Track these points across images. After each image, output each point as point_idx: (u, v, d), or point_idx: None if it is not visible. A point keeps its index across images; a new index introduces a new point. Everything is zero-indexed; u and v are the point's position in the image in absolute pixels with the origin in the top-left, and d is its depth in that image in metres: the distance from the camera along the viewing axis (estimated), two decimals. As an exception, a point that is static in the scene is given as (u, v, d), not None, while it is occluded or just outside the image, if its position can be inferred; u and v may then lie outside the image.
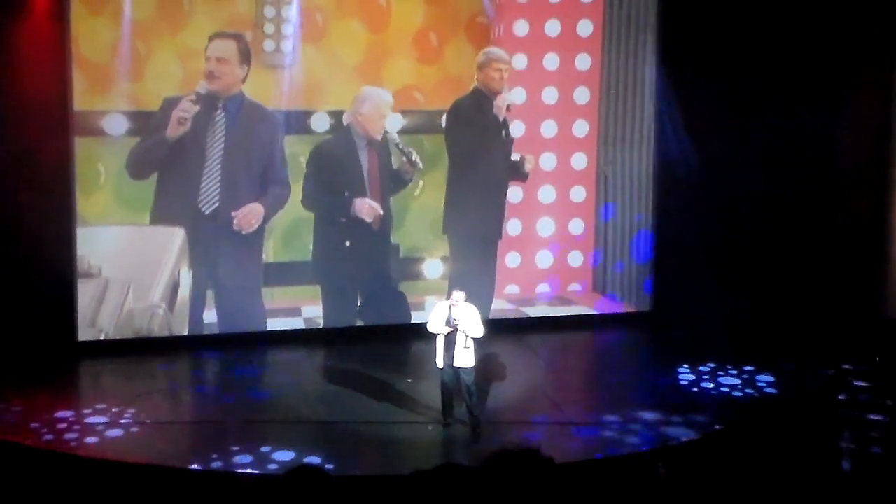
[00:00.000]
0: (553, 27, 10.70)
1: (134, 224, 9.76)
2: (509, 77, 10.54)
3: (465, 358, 7.73)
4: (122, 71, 9.50)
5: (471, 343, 7.72)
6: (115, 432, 7.78)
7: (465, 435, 7.79)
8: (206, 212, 9.72)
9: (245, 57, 9.68)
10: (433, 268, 10.65)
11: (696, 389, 8.86)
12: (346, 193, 10.08)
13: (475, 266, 10.58)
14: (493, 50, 10.32)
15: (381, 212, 10.11)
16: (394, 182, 10.25)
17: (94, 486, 6.85)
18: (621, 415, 8.18)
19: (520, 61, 10.66)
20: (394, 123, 10.23)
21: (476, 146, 10.41)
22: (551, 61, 10.74)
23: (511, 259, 10.94)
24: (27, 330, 9.01)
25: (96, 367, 9.27)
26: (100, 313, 9.53)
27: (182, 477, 7.01)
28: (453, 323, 7.67)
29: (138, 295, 9.66)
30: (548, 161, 10.92)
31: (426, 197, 10.52)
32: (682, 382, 9.02)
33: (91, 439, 7.64)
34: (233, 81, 9.65)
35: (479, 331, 7.75)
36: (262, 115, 9.78)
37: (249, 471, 7.10)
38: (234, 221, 9.69)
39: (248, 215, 9.72)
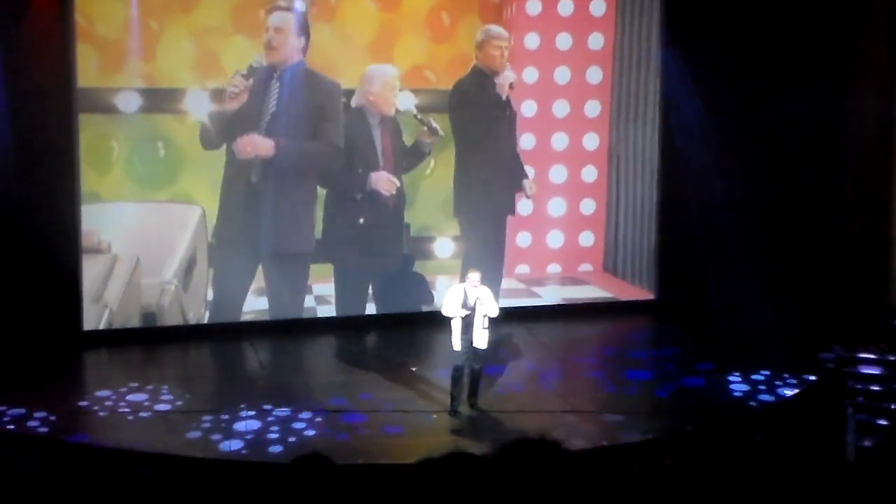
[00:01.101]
0: (566, 6, 10.65)
1: (147, 200, 9.81)
2: (521, 56, 10.53)
3: (483, 338, 7.76)
4: (135, 49, 9.53)
5: (487, 323, 7.74)
6: (123, 420, 7.83)
7: (470, 423, 7.82)
8: (253, 180, 9.74)
9: (303, 28, 9.71)
10: (444, 247, 10.67)
11: (698, 381, 8.86)
12: (360, 170, 10.10)
13: (487, 246, 10.59)
14: (492, 27, 10.28)
15: (399, 183, 10.11)
16: (409, 158, 10.24)
17: (103, 476, 6.88)
18: (623, 405, 8.20)
19: (532, 40, 10.63)
20: (405, 101, 10.22)
21: (479, 126, 10.38)
22: (564, 40, 10.70)
23: (522, 239, 10.94)
24: (30, 316, 8.94)
25: (101, 356, 9.27)
26: (107, 289, 9.59)
27: (188, 465, 7.03)
28: (472, 304, 7.66)
29: (149, 271, 9.72)
30: (559, 141, 10.90)
31: (437, 176, 10.53)
32: (685, 374, 9.01)
33: (101, 427, 7.72)
34: (291, 51, 9.67)
35: (496, 310, 7.79)
36: (318, 84, 9.77)
37: (254, 458, 7.13)
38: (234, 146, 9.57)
39: (245, 141, 9.57)
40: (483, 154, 10.49)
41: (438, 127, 10.02)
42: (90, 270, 9.58)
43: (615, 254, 11.22)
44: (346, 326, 10.15)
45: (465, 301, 7.70)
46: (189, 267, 9.91)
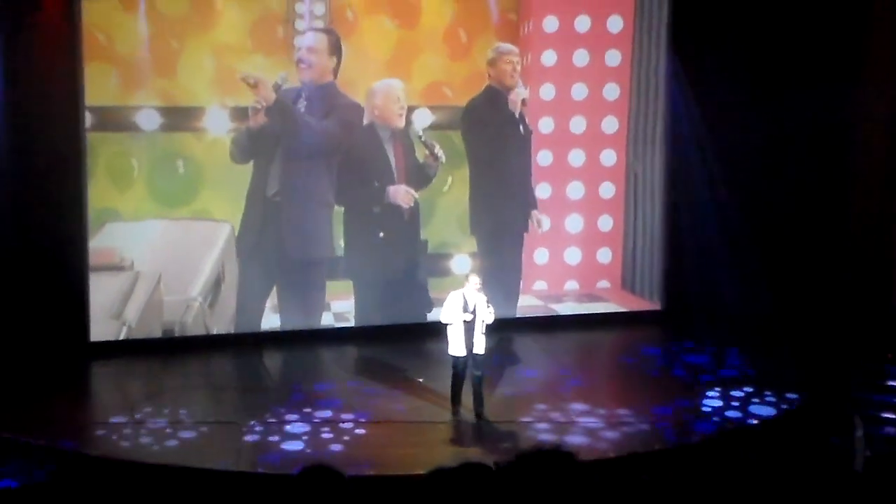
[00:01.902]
0: (583, 23, 10.67)
1: (169, 217, 9.85)
2: (538, 73, 10.58)
3: (482, 344, 7.81)
4: (155, 67, 9.59)
5: (485, 328, 7.80)
6: (131, 432, 7.80)
7: (476, 433, 7.79)
8: (269, 194, 9.80)
9: (335, 49, 9.82)
10: (462, 263, 10.65)
11: (706, 390, 8.83)
12: (375, 184, 10.13)
13: (503, 262, 10.59)
14: (501, 45, 10.34)
15: (417, 195, 10.13)
16: (419, 176, 10.26)
17: (108, 487, 6.87)
18: (631, 415, 8.20)
19: (549, 57, 10.65)
20: (422, 118, 10.28)
21: (493, 144, 10.41)
22: (581, 57, 10.72)
23: (539, 255, 10.92)
24: (37, 329, 8.96)
25: (109, 367, 9.27)
26: (127, 306, 9.61)
27: (197, 476, 7.00)
28: (472, 309, 7.71)
29: (172, 288, 9.74)
30: (577, 157, 10.90)
31: (454, 193, 10.55)
32: (694, 387, 8.97)
33: (108, 441, 7.67)
34: (322, 71, 9.78)
35: (492, 316, 7.86)
36: (342, 105, 9.87)
37: (262, 470, 7.09)
38: None
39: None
40: (497, 172, 10.52)
41: (440, 153, 10.02)
42: (110, 287, 9.62)
43: (633, 270, 11.18)
44: (354, 336, 10.14)
45: (466, 306, 7.74)
46: (216, 283, 9.93)
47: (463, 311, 7.72)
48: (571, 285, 11.05)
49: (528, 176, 10.67)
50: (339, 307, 10.40)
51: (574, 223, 10.96)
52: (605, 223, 11.07)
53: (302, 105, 9.90)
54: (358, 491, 3.23)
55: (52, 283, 9.16)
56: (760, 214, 10.49)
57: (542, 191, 10.82)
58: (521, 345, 10.09)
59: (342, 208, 10.17)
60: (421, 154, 10.19)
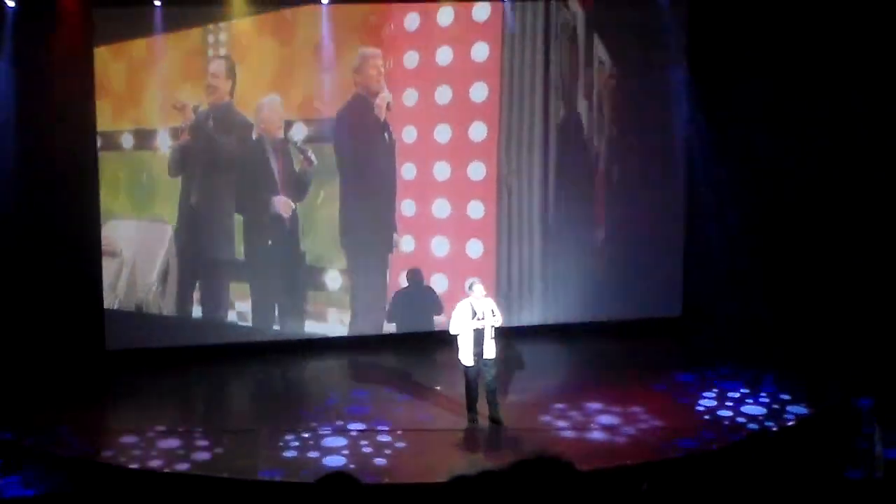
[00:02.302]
0: (446, 15, 9.37)
1: (139, 219, 11.95)
2: (400, 77, 9.70)
3: (492, 349, 7.78)
4: (130, 99, 11.78)
5: (494, 333, 7.77)
6: (146, 443, 8.05)
7: (491, 439, 7.76)
8: (192, 203, 11.39)
9: (230, 72, 11.10)
10: (334, 279, 10.33)
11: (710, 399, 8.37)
12: (263, 195, 10.64)
13: (370, 281, 9.95)
14: (365, 49, 9.73)
15: (294, 205, 10.38)
16: (298, 185, 10.36)
17: (122, 496, 7.18)
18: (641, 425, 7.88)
19: (411, 59, 9.62)
20: (298, 132, 10.36)
21: (361, 156, 9.85)
22: (444, 55, 9.40)
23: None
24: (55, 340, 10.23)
25: (127, 376, 10.61)
26: (118, 284, 12.00)
27: (214, 485, 7.06)
28: (482, 316, 7.73)
29: (142, 273, 11.87)
30: (442, 171, 9.55)
31: (327, 207, 10.30)
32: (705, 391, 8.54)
33: (124, 450, 7.90)
34: (222, 93, 11.15)
35: (501, 319, 7.83)
36: (237, 122, 10.93)
37: (279, 479, 7.08)
38: None
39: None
40: (363, 186, 9.95)
41: (313, 156, 9.94)
42: (108, 269, 12.17)
43: (508, 307, 9.21)
44: (359, 344, 10.39)
45: (475, 314, 7.76)
46: (164, 275, 11.74)
47: (473, 319, 7.74)
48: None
49: (392, 191, 9.80)
50: (242, 307, 11.14)
51: (439, 246, 9.60)
52: (474, 248, 9.42)
53: (210, 124, 11.00)
54: (375, 499, 3.89)
55: (71, 287, 11.78)
56: (778, 220, 9.65)
57: (407, 208, 9.78)
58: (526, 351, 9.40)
59: (241, 217, 10.91)
60: (297, 162, 10.32)
